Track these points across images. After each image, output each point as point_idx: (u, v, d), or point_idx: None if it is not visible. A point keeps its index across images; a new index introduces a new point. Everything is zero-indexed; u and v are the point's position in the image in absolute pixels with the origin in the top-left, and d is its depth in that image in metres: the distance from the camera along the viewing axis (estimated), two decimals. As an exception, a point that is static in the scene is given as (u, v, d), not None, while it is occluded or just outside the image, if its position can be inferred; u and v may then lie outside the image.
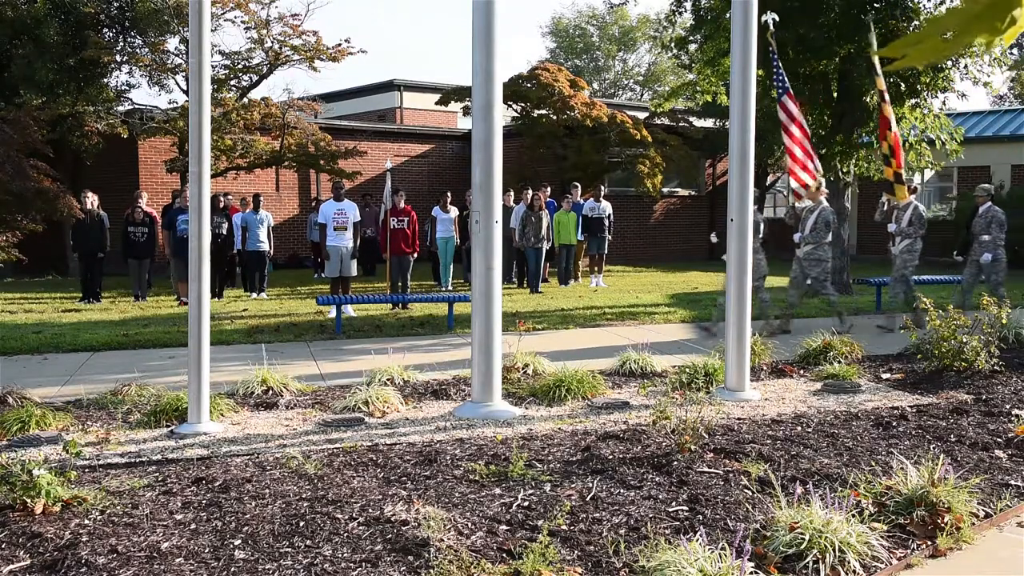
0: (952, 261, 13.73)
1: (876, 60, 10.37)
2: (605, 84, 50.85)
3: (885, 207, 10.92)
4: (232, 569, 3.55)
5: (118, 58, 17.92)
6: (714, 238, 11.46)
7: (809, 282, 10.37)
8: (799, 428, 5.80)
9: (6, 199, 13.73)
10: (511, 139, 18.11)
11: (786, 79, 10.55)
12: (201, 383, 5.81)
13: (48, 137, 15.61)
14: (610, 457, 5.05)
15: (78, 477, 4.58)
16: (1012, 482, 4.67)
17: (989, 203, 10.82)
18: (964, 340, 7.44)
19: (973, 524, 4.05)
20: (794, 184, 10.47)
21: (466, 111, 20.56)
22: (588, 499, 4.34)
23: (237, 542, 3.82)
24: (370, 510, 4.15)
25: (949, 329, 7.53)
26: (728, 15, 10.09)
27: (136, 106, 18.70)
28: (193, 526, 4.01)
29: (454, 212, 15.92)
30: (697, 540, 3.50)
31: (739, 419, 6.06)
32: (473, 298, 6.40)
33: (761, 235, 10.34)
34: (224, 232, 14.00)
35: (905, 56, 1.26)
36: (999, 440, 5.47)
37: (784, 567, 3.54)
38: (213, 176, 16.00)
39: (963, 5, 1.22)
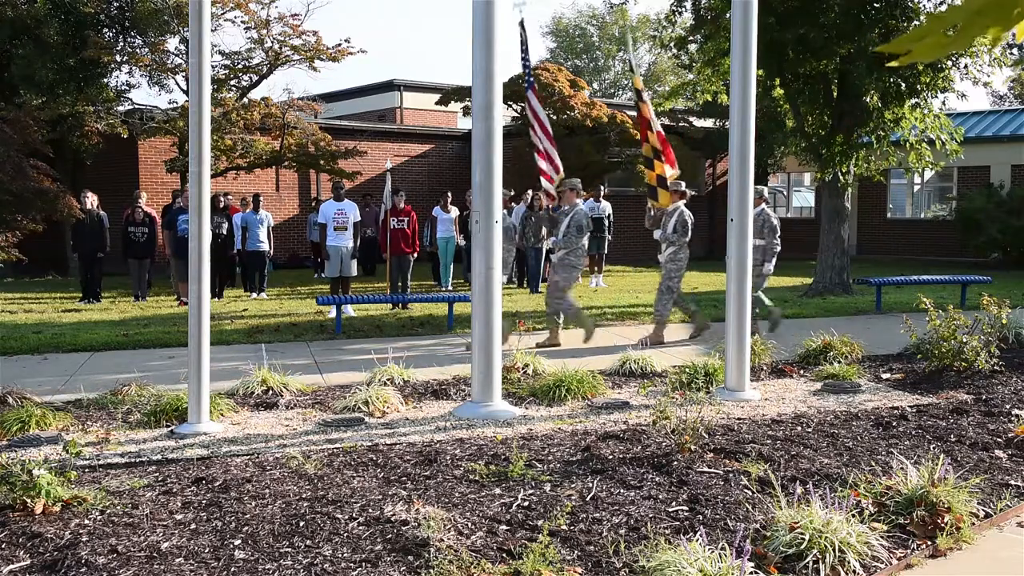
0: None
1: (633, 58, 10.10)
2: (605, 84, 50.83)
3: (652, 212, 10.16)
4: (232, 569, 3.55)
5: (118, 58, 17.92)
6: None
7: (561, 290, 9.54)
8: (799, 428, 5.80)
9: (6, 199, 13.73)
10: (511, 139, 18.09)
11: (532, 74, 10.25)
12: (201, 383, 5.81)
13: (48, 137, 15.61)
14: (610, 457, 5.05)
15: (78, 477, 4.57)
16: (1012, 482, 4.67)
17: (762, 207, 9.88)
18: (964, 340, 7.44)
19: (973, 524, 4.05)
20: (546, 184, 10.20)
21: (466, 111, 20.57)
22: (588, 499, 4.34)
23: (237, 542, 3.82)
24: (370, 510, 4.15)
25: (949, 329, 7.53)
26: (728, 15, 10.09)
27: (136, 106, 18.70)
28: (193, 526, 4.01)
29: (454, 212, 15.93)
30: (697, 540, 3.50)
31: (739, 419, 6.06)
32: (473, 298, 6.40)
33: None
34: (224, 232, 14.00)
35: (909, 52, 1.23)
36: (999, 440, 5.47)
37: (784, 567, 3.54)
38: (213, 176, 16.00)
39: (965, 2, 1.19)
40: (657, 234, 10.03)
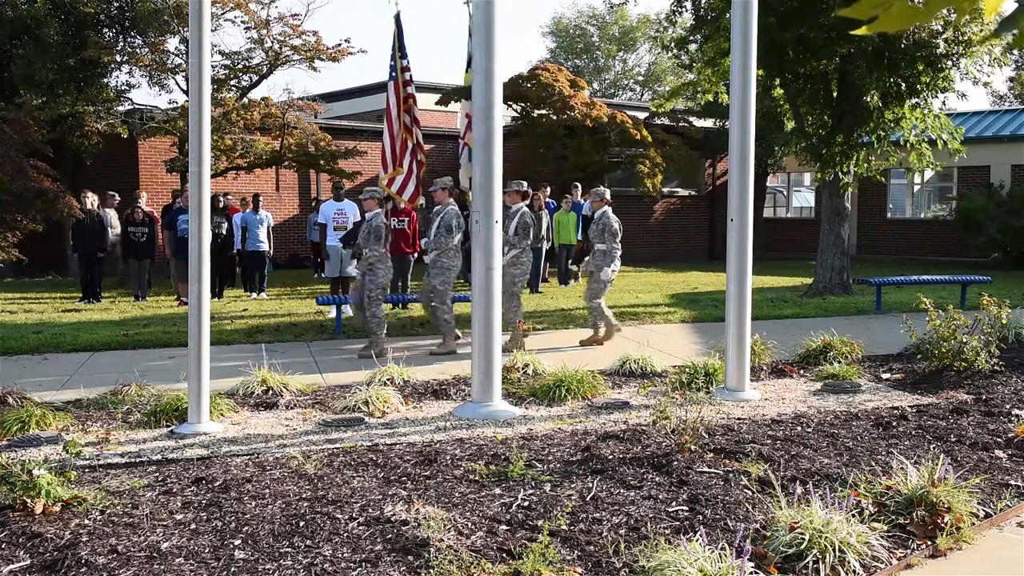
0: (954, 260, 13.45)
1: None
2: (605, 84, 50.83)
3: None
4: (232, 569, 3.55)
5: (118, 58, 17.91)
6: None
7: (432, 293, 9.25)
8: (799, 428, 5.80)
9: (6, 199, 13.73)
10: (511, 139, 18.10)
11: (396, 68, 9.76)
12: (201, 383, 5.81)
13: (48, 137, 15.60)
14: (610, 457, 5.05)
15: (78, 477, 4.57)
16: (1012, 482, 4.67)
17: (605, 209, 9.58)
18: (964, 340, 7.44)
19: (973, 524, 4.05)
20: (383, 176, 9.82)
21: (466, 111, 20.54)
22: (588, 499, 4.34)
23: (237, 542, 3.82)
24: (370, 510, 4.15)
25: (949, 329, 7.53)
26: (728, 15, 10.08)
27: (136, 106, 18.69)
28: (193, 526, 4.01)
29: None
30: (697, 540, 3.50)
31: (739, 419, 6.06)
32: (473, 298, 6.40)
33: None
34: (224, 232, 14.00)
35: (875, 20, 1.22)
36: (999, 440, 5.47)
37: (784, 567, 3.54)
38: (213, 176, 15.99)
39: None
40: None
